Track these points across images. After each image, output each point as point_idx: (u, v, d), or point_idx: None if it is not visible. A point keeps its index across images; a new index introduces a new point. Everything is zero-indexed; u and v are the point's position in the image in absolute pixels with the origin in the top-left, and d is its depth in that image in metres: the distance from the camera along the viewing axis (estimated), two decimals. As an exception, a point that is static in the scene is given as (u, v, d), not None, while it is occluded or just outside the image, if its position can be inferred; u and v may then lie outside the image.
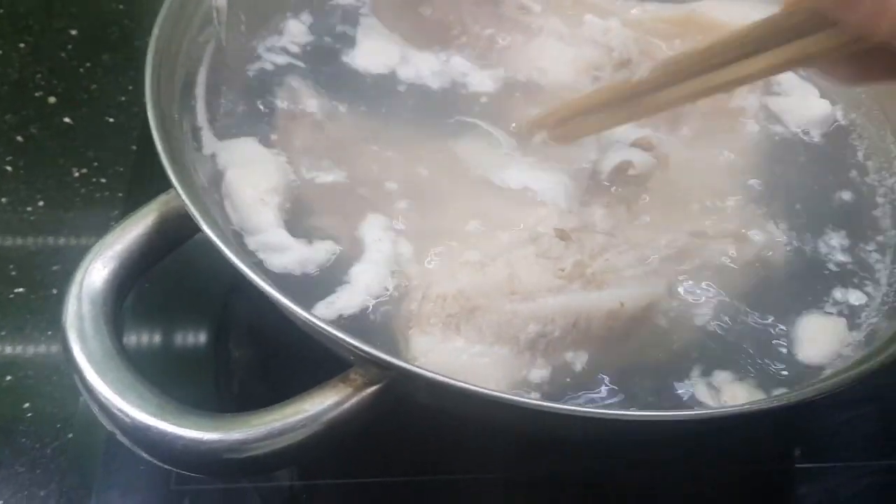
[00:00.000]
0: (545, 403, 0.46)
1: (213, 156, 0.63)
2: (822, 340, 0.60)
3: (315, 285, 0.59)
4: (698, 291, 0.61)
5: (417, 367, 0.47)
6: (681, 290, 0.61)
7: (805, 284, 0.64)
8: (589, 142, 0.68)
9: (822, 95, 0.76)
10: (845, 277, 0.65)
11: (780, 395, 0.56)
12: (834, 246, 0.67)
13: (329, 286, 0.59)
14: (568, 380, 0.57)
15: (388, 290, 0.59)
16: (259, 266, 0.58)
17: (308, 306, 0.56)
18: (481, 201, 0.65)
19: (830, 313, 0.62)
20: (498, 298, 0.57)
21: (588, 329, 0.57)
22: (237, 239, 0.58)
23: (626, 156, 0.65)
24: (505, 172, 0.66)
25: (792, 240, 0.66)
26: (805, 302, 0.63)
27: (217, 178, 0.62)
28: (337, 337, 0.47)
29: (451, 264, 0.60)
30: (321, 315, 0.56)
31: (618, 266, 0.60)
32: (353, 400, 0.48)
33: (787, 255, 0.65)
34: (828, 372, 0.58)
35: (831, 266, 0.66)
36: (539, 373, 0.56)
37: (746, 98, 0.74)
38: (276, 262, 0.59)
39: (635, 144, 0.66)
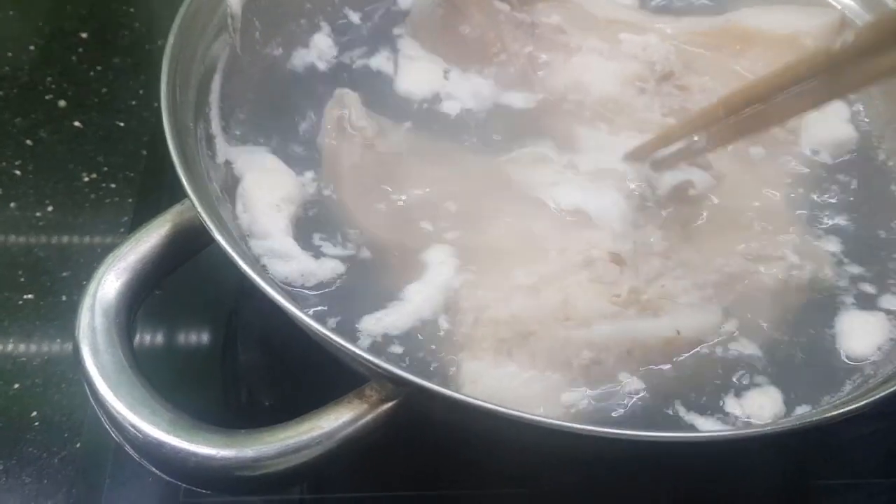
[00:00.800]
0: (567, 424, 0.45)
1: (227, 163, 0.63)
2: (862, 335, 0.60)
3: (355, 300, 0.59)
4: (749, 316, 0.61)
5: (432, 384, 0.46)
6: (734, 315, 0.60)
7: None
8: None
9: (851, 121, 0.74)
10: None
11: (805, 414, 0.56)
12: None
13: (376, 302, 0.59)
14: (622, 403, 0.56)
15: (438, 312, 0.58)
16: (263, 271, 0.57)
17: (353, 319, 0.57)
18: (533, 222, 0.64)
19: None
20: (552, 324, 0.56)
21: (643, 357, 0.57)
22: (243, 242, 0.58)
23: (686, 175, 0.64)
24: (556, 191, 0.65)
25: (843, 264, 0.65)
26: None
27: (231, 183, 0.62)
28: (354, 353, 0.47)
29: (504, 288, 0.59)
30: (368, 330, 0.57)
31: (673, 293, 0.59)
32: (369, 417, 0.48)
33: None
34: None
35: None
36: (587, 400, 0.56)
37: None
38: (279, 269, 0.59)
39: (694, 164, 0.65)
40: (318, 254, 0.60)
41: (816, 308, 0.63)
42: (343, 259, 0.61)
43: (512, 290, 0.58)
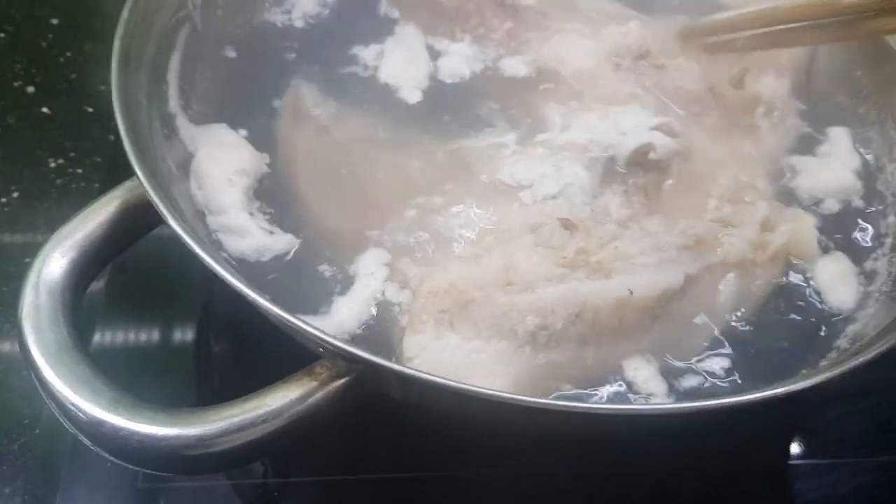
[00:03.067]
0: (514, 396, 0.44)
1: (184, 139, 0.62)
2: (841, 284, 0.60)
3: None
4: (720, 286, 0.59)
5: (382, 359, 0.45)
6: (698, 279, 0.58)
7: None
8: (605, 128, 0.65)
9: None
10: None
11: (772, 386, 0.54)
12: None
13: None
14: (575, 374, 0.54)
15: (383, 295, 0.57)
16: (217, 247, 0.56)
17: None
18: (487, 199, 0.62)
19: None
20: (493, 290, 0.54)
21: (595, 321, 0.54)
22: (200, 219, 0.57)
23: (647, 139, 0.62)
24: (516, 168, 0.64)
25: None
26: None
27: (187, 160, 0.61)
28: (299, 328, 0.45)
29: (446, 260, 0.58)
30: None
31: (629, 254, 0.57)
32: (319, 394, 0.46)
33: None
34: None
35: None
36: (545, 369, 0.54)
37: (770, 91, 0.71)
38: (234, 245, 0.57)
39: (657, 129, 0.63)
40: (272, 229, 0.59)
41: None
42: (296, 235, 0.60)
43: (451, 260, 0.57)
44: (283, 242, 0.59)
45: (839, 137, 0.70)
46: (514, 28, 0.74)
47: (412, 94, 0.70)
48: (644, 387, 0.55)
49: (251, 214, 0.59)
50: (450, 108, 0.69)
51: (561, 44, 0.73)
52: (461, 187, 0.63)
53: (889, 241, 0.65)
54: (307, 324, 0.45)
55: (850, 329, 0.59)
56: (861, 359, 0.51)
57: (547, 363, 0.54)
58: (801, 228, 0.63)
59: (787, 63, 0.73)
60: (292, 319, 0.45)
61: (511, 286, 0.54)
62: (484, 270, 0.55)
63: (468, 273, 0.55)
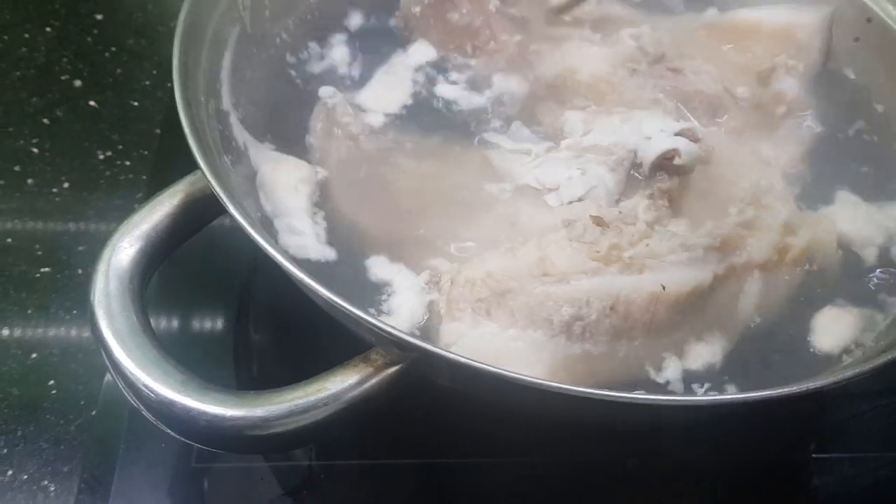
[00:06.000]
0: (566, 387, 0.46)
1: (242, 146, 0.64)
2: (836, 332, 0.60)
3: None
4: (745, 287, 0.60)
5: (437, 347, 0.47)
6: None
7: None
8: (628, 131, 0.67)
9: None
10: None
11: (795, 384, 0.56)
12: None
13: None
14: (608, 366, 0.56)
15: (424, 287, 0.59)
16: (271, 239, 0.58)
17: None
18: (515, 202, 0.64)
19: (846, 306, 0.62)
20: (529, 281, 0.56)
21: (628, 314, 0.55)
22: (266, 224, 0.59)
23: (672, 144, 0.64)
24: (539, 171, 0.65)
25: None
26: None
27: (246, 166, 0.63)
28: (358, 317, 0.48)
29: (482, 252, 0.60)
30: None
31: (659, 252, 0.58)
32: (374, 380, 0.49)
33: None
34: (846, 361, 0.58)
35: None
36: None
37: (794, 91, 0.73)
38: (287, 242, 0.60)
39: (680, 135, 0.65)
40: (322, 236, 0.62)
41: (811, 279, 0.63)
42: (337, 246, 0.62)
43: (487, 251, 0.59)
44: (328, 251, 0.62)
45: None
46: (525, 40, 0.76)
47: (434, 106, 0.72)
48: (671, 381, 0.57)
49: (313, 220, 0.62)
50: (471, 118, 0.72)
51: (573, 52, 0.75)
52: (489, 192, 0.65)
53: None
54: (367, 312, 0.48)
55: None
56: (885, 358, 0.53)
57: (581, 353, 0.55)
58: (822, 231, 0.64)
59: (806, 64, 0.75)
60: (353, 309, 0.48)
61: (547, 277, 0.56)
62: (520, 262, 0.57)
63: (504, 264, 0.57)
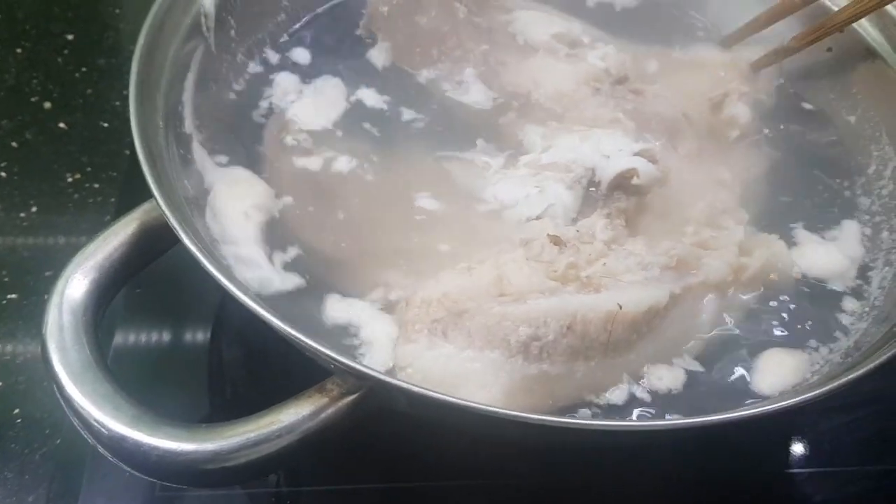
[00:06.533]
0: (519, 414, 0.46)
1: (199, 169, 0.64)
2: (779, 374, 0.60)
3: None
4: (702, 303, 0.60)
5: (391, 377, 0.47)
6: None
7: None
8: (587, 149, 0.67)
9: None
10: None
11: (767, 402, 0.56)
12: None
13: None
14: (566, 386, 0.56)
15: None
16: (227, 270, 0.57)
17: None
18: (473, 219, 0.64)
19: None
20: (486, 301, 0.55)
21: (585, 333, 0.55)
22: (213, 247, 0.59)
23: (630, 164, 0.64)
24: (498, 189, 0.65)
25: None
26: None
27: (202, 186, 0.63)
28: (312, 347, 0.47)
29: (437, 271, 0.59)
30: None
31: (616, 271, 0.58)
32: (330, 410, 0.48)
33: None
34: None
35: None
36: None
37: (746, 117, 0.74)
38: (241, 275, 0.59)
39: (639, 155, 0.65)
40: (281, 264, 0.61)
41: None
42: (300, 272, 0.61)
43: (443, 271, 0.58)
44: (289, 280, 0.60)
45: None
46: (490, 50, 0.76)
47: (394, 117, 0.72)
48: (628, 401, 0.57)
49: (263, 248, 0.61)
50: (430, 128, 0.72)
51: (538, 67, 0.75)
52: (446, 208, 0.65)
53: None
54: (320, 342, 0.47)
55: (844, 342, 0.61)
56: (857, 372, 0.52)
57: (539, 374, 0.55)
58: (776, 254, 0.64)
59: (763, 88, 0.76)
60: (306, 339, 0.47)
61: (504, 297, 0.56)
62: (476, 281, 0.57)
63: (461, 284, 0.57)
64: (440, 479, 0.63)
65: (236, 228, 0.60)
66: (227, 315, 0.73)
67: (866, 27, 0.74)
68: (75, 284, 0.52)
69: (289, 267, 0.61)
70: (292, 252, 0.62)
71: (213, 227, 0.60)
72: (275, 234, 0.62)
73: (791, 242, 0.67)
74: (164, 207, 0.52)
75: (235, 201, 0.61)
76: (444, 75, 0.75)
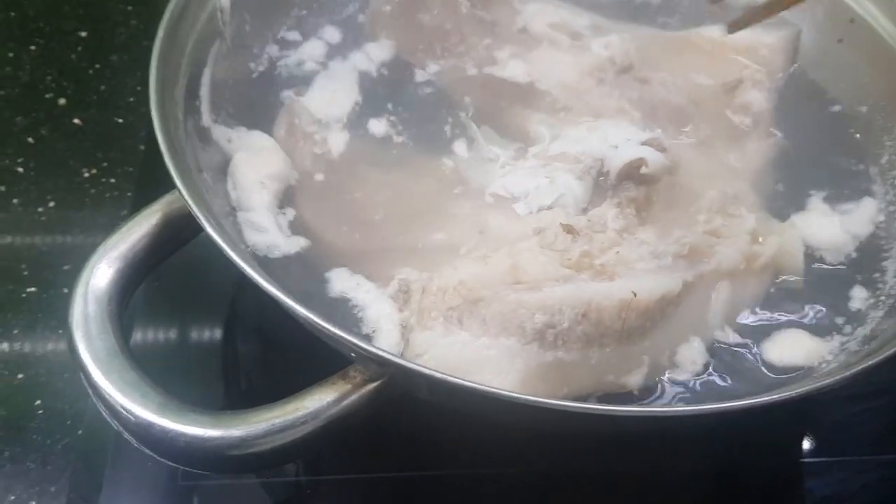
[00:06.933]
0: (542, 400, 0.46)
1: (220, 142, 0.65)
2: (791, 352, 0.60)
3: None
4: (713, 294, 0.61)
5: (415, 363, 0.48)
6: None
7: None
8: (595, 140, 0.67)
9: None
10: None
11: (775, 391, 0.56)
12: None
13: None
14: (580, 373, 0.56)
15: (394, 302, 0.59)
16: (249, 257, 0.59)
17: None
18: (484, 211, 0.64)
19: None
20: (501, 289, 0.56)
21: (599, 321, 0.55)
22: (232, 216, 0.60)
23: (638, 153, 0.64)
24: (506, 180, 0.66)
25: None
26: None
27: (224, 162, 0.64)
28: (336, 334, 0.48)
29: (453, 260, 0.60)
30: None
31: (629, 259, 0.58)
32: (353, 397, 0.49)
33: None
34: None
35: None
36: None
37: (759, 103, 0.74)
38: (250, 237, 0.61)
39: (647, 144, 0.65)
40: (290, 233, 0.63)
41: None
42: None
43: (459, 259, 0.59)
44: (296, 244, 0.62)
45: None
46: (494, 43, 0.76)
47: (403, 109, 0.72)
48: (644, 388, 0.57)
49: (275, 216, 0.62)
50: (437, 122, 0.72)
51: (542, 58, 0.75)
52: (456, 200, 0.66)
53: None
54: (345, 330, 0.48)
55: (860, 331, 0.62)
56: (874, 360, 0.53)
57: (554, 361, 0.55)
58: (788, 241, 0.65)
59: (772, 79, 0.75)
60: (330, 326, 0.48)
61: (519, 285, 0.56)
62: (492, 270, 0.57)
63: (476, 272, 0.57)
64: (456, 467, 0.63)
65: (252, 196, 0.62)
66: (242, 307, 0.74)
67: (878, 17, 0.75)
68: (100, 274, 0.52)
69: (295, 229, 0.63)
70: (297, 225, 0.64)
71: (232, 194, 0.62)
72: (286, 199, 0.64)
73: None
74: (188, 198, 0.52)
75: (252, 171, 0.63)
76: (450, 70, 0.75)
